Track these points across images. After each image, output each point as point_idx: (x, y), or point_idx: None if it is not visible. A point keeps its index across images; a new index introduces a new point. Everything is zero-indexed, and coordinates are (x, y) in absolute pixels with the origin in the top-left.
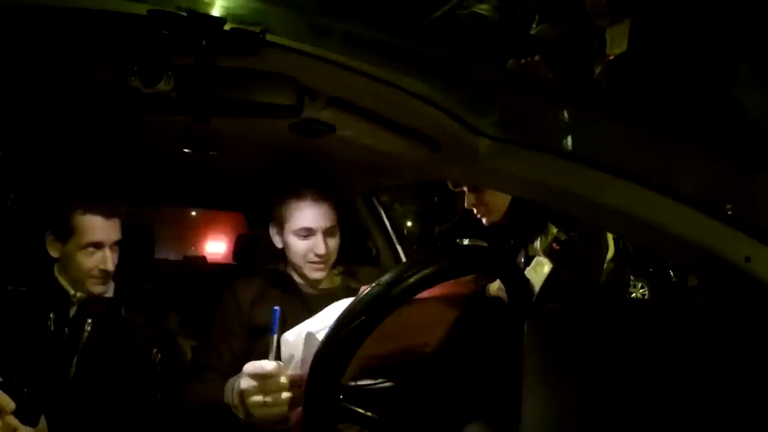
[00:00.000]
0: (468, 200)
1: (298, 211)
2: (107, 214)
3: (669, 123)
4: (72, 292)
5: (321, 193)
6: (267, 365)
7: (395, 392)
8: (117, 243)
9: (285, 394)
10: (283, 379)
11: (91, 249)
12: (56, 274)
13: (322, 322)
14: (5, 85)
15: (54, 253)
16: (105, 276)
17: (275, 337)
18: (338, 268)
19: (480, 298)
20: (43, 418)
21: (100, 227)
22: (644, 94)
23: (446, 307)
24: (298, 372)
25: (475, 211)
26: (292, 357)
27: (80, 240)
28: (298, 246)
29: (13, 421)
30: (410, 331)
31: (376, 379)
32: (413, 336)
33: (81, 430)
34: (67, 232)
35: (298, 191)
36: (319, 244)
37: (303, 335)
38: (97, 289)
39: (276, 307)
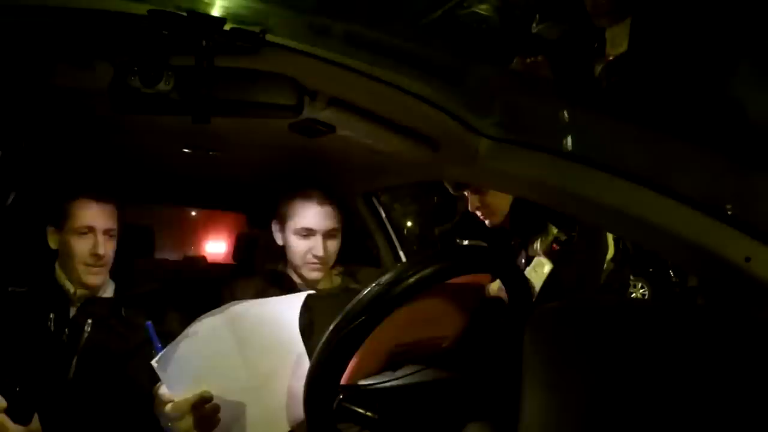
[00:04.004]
0: (471, 203)
1: (302, 211)
2: (98, 200)
3: (669, 123)
4: (72, 290)
5: (326, 195)
6: (161, 394)
7: (395, 392)
8: (111, 232)
9: (184, 423)
10: (170, 406)
11: (83, 234)
12: (57, 271)
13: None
14: (5, 84)
15: (53, 244)
16: (97, 262)
17: (160, 354)
18: (338, 269)
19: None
20: (36, 417)
21: (91, 212)
22: (644, 94)
23: (465, 297)
24: (190, 392)
25: (478, 213)
26: (182, 373)
27: (73, 224)
28: (297, 245)
29: (3, 419)
30: (431, 320)
31: (396, 371)
32: (434, 326)
33: (79, 429)
34: (62, 219)
35: (304, 191)
36: (318, 246)
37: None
38: (90, 279)
39: (148, 322)
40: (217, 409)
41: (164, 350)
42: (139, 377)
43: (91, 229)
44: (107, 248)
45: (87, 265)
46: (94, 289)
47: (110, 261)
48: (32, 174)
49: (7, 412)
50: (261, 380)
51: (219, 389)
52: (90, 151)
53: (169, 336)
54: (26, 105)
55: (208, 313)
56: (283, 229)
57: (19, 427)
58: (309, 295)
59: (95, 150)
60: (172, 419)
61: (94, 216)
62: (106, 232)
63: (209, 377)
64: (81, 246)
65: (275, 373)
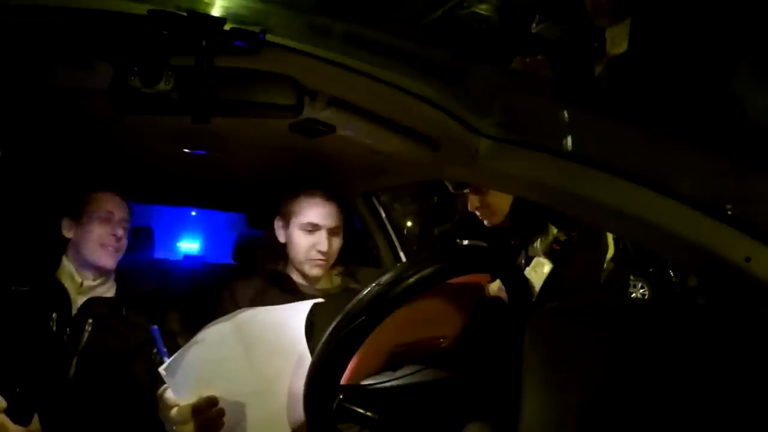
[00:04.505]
0: (471, 203)
1: (308, 207)
2: (116, 192)
3: (669, 123)
4: (79, 280)
5: (329, 195)
6: (167, 398)
7: (395, 392)
8: (125, 224)
9: (188, 426)
10: (176, 411)
11: (102, 219)
12: (62, 265)
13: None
14: (6, 84)
15: (68, 234)
16: (114, 244)
17: (166, 359)
18: (337, 269)
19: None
20: (36, 417)
21: (112, 201)
22: (644, 94)
23: (465, 297)
24: (195, 397)
25: (478, 213)
26: (188, 378)
27: (93, 210)
28: (301, 241)
29: (3, 419)
30: (431, 320)
31: (396, 371)
32: (434, 326)
33: (79, 430)
34: (81, 207)
35: (309, 190)
36: (322, 241)
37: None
38: (104, 259)
39: (154, 327)
40: (222, 413)
41: (172, 357)
42: (139, 377)
43: (110, 215)
44: (123, 235)
45: (103, 245)
46: (106, 274)
47: (123, 250)
48: (43, 170)
49: (7, 412)
50: (266, 384)
51: (225, 393)
52: (90, 151)
53: (169, 336)
54: (27, 105)
55: (216, 320)
56: (287, 226)
57: (19, 428)
58: (311, 296)
59: (95, 150)
60: (176, 423)
61: (114, 205)
62: (121, 221)
63: (215, 382)
64: (100, 229)
65: (279, 376)
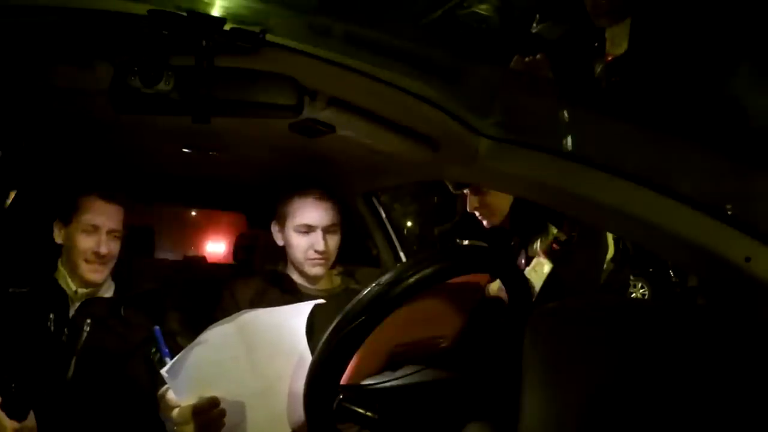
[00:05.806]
0: (471, 203)
1: (301, 208)
2: (108, 200)
3: (669, 122)
4: (73, 288)
5: (324, 193)
6: (168, 399)
7: (395, 392)
8: (116, 233)
9: (189, 427)
10: (177, 411)
11: (89, 230)
12: (59, 269)
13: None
14: (6, 84)
15: (59, 239)
16: (99, 261)
17: (168, 359)
18: (337, 269)
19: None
20: (32, 414)
21: (99, 211)
22: (644, 94)
23: (464, 296)
24: (196, 398)
25: (477, 213)
26: (190, 380)
27: (80, 220)
28: (298, 242)
29: None
30: (431, 320)
31: (396, 371)
32: (434, 326)
33: (78, 429)
34: (71, 213)
35: (302, 190)
36: (318, 241)
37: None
38: (91, 275)
39: (156, 327)
40: (223, 413)
41: (175, 359)
42: (138, 377)
43: (96, 228)
44: (110, 248)
45: (88, 261)
46: (95, 286)
47: (113, 260)
48: (39, 171)
49: (3, 407)
50: (267, 385)
51: (226, 394)
52: (90, 151)
53: (169, 336)
54: (27, 105)
55: (218, 321)
56: (282, 229)
57: (15, 423)
58: (311, 296)
59: (95, 150)
60: (177, 423)
61: (102, 216)
62: (111, 232)
63: (217, 383)
64: (85, 243)
65: (280, 377)
